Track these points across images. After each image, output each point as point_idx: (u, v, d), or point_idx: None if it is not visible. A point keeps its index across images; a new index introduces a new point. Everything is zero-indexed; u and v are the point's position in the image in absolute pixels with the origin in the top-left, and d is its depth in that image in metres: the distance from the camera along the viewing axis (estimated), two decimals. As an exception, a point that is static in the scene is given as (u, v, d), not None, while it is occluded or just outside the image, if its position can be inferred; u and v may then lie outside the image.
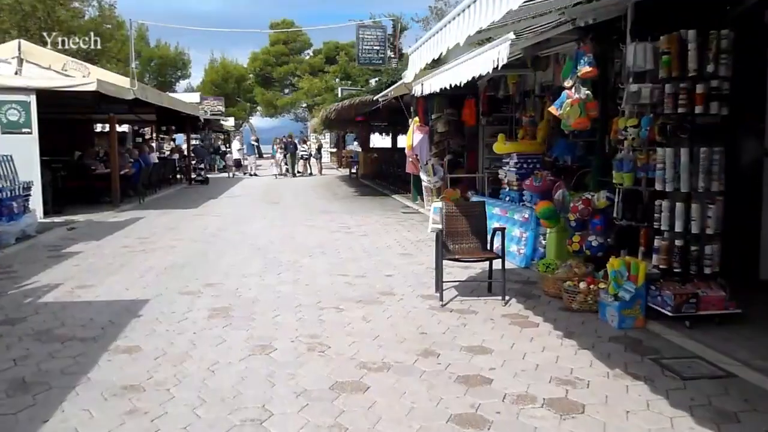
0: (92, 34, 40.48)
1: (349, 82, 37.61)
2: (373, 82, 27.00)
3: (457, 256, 6.11)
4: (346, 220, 12.53)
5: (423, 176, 13.66)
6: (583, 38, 6.48)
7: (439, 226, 10.89)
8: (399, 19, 22.27)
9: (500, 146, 9.36)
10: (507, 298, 6.06)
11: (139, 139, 31.57)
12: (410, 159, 14.28)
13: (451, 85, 8.47)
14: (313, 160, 30.30)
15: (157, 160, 18.44)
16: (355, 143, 32.34)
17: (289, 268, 7.74)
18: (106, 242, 9.70)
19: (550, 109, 6.28)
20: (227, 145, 37.40)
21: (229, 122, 39.42)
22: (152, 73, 50.97)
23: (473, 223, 6.36)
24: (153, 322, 5.41)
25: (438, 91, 9.43)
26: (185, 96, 28.27)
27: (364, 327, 5.28)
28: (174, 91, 39.92)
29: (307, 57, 53.23)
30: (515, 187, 8.73)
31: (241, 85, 54.28)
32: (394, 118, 25.73)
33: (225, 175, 29.49)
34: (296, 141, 29.66)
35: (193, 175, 23.52)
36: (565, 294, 5.83)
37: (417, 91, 9.59)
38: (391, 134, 29.83)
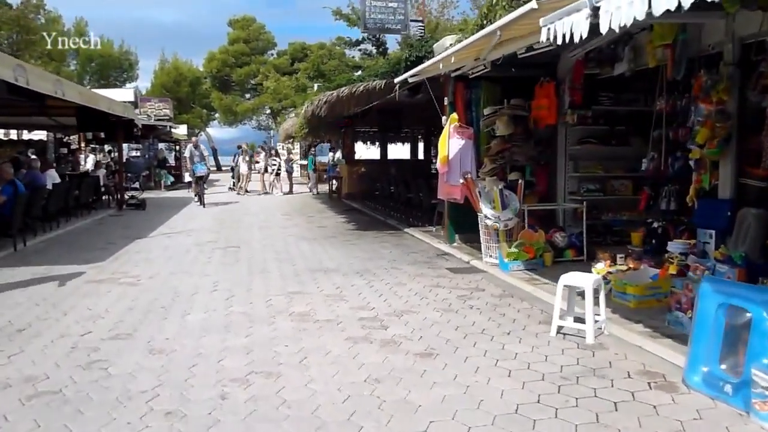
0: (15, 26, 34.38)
1: (322, 81, 31.99)
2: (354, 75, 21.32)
3: None
4: (365, 292, 6.91)
5: (485, 209, 8.13)
6: None
7: (581, 327, 4.95)
8: None
9: None
10: None
11: (64, 150, 25.39)
12: (460, 181, 8.78)
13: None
14: (283, 175, 24.57)
15: (57, 179, 12.52)
16: (331, 154, 26.66)
17: None
18: None
19: None
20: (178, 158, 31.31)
21: (181, 130, 33.20)
22: (93, 74, 44.37)
23: None
24: None
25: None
26: (114, 93, 22.15)
27: None
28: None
29: (271, 58, 47.35)
30: None
31: (196, 90, 47.93)
32: (387, 121, 20.24)
33: (170, 194, 23.49)
34: (265, 152, 24.15)
35: (127, 196, 17.59)
36: None
37: (574, 26, 4.00)
38: (378, 143, 24.31)
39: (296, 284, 7.34)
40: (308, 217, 15.27)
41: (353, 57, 32.46)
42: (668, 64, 6.71)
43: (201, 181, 18.16)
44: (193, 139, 19.78)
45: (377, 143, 24.61)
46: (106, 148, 27.09)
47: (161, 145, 30.04)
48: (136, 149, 26.53)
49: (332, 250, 9.91)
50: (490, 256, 8.49)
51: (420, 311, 6.09)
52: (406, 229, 12.40)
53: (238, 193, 23.10)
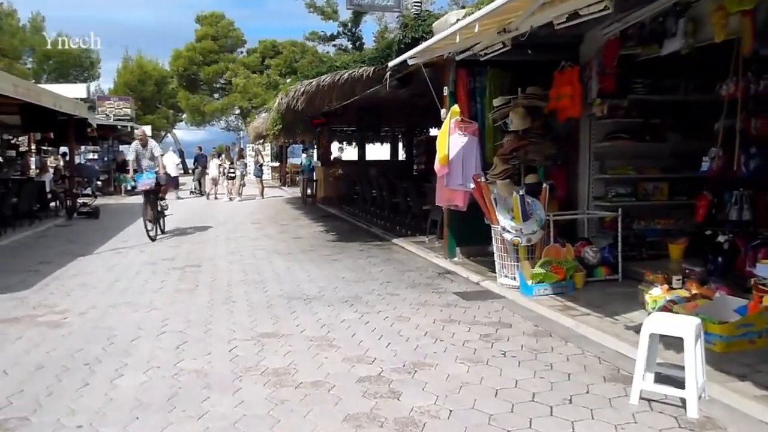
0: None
1: (293, 77, 30.30)
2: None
3: None
4: (359, 332, 5.31)
5: (503, 220, 6.60)
6: None
7: (671, 392, 3.01)
8: None
9: None
10: None
11: (12, 152, 23.23)
12: (470, 185, 7.25)
13: None
14: (250, 178, 22.87)
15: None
16: (304, 156, 24.98)
17: None
18: None
19: None
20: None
21: (145, 131, 31.10)
22: (50, 72, 41.89)
23: None
24: None
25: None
26: (63, 89, 20.15)
27: None
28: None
29: (241, 56, 45.34)
30: None
31: (161, 89, 45.68)
32: (366, 119, 18.61)
33: (130, 200, 21.55)
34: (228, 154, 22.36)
35: (79, 203, 15.73)
36: None
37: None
38: (356, 143, 22.72)
39: (269, 321, 5.71)
40: (281, 226, 13.61)
41: (327, 53, 30.84)
42: (745, 36, 5.27)
43: (150, 198, 11.51)
44: (137, 132, 13.67)
45: (354, 143, 23.04)
46: (62, 150, 25.02)
47: (122, 148, 27.99)
48: (94, 152, 24.49)
49: (312, 269, 8.29)
50: (506, 276, 6.97)
51: (438, 363, 4.51)
52: (394, 240, 10.84)
53: (207, 198, 21.38)
